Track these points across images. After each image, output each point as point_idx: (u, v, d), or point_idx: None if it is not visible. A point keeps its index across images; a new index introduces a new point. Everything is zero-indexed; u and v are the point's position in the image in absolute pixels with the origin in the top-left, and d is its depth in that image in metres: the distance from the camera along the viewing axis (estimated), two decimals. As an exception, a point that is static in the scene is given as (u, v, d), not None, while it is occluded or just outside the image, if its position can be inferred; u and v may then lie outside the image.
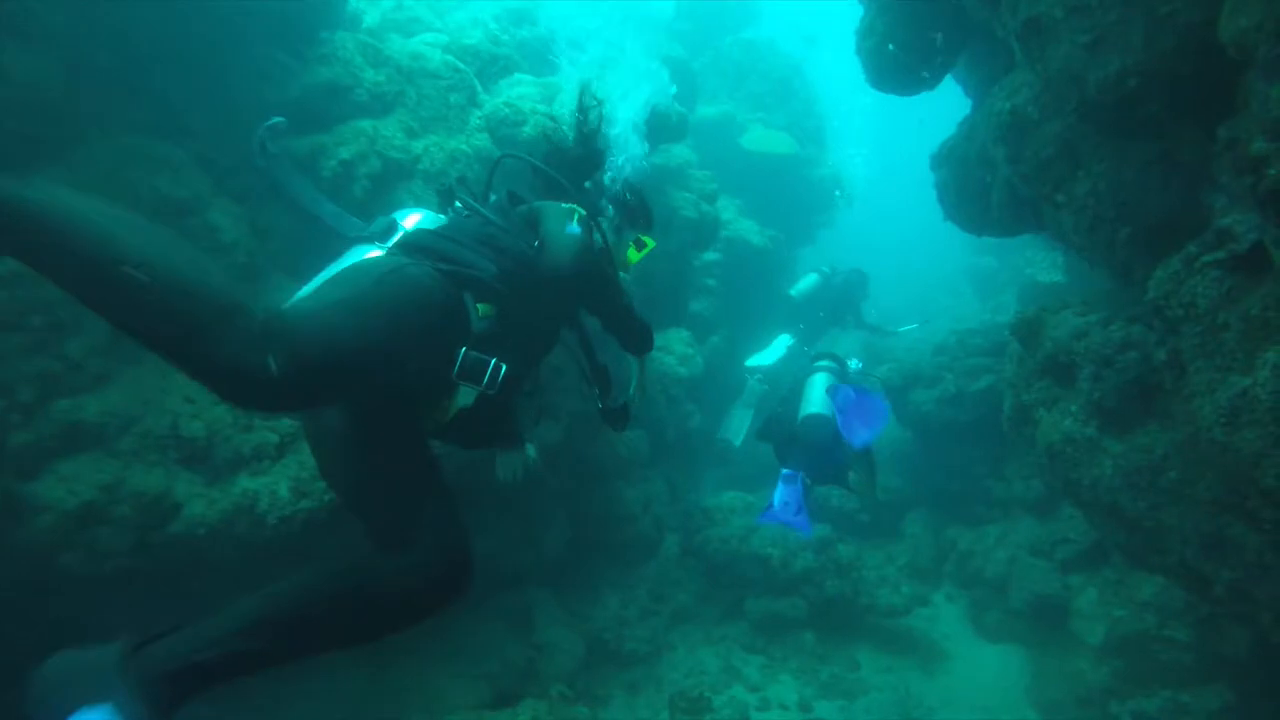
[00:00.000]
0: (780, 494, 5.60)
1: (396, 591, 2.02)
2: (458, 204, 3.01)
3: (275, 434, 3.39)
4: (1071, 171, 3.43)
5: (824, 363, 6.30)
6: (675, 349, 7.93)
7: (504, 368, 2.40)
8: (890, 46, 4.49)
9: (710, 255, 8.40)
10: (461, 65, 4.77)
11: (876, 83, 4.82)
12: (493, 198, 3.26)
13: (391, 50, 4.55)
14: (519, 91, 4.91)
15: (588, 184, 3.39)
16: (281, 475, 3.28)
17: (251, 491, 3.19)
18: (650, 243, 3.50)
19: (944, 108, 6.11)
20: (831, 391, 5.73)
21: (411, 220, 2.80)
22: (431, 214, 2.92)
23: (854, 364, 6.99)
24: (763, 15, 11.97)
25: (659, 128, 5.54)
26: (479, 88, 4.86)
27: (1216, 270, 2.82)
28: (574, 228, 2.77)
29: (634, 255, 3.46)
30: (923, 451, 8.18)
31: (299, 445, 3.42)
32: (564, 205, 2.92)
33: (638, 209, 3.49)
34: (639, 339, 3.12)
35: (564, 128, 3.72)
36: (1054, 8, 3.01)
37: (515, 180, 3.34)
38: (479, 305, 2.50)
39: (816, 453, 5.55)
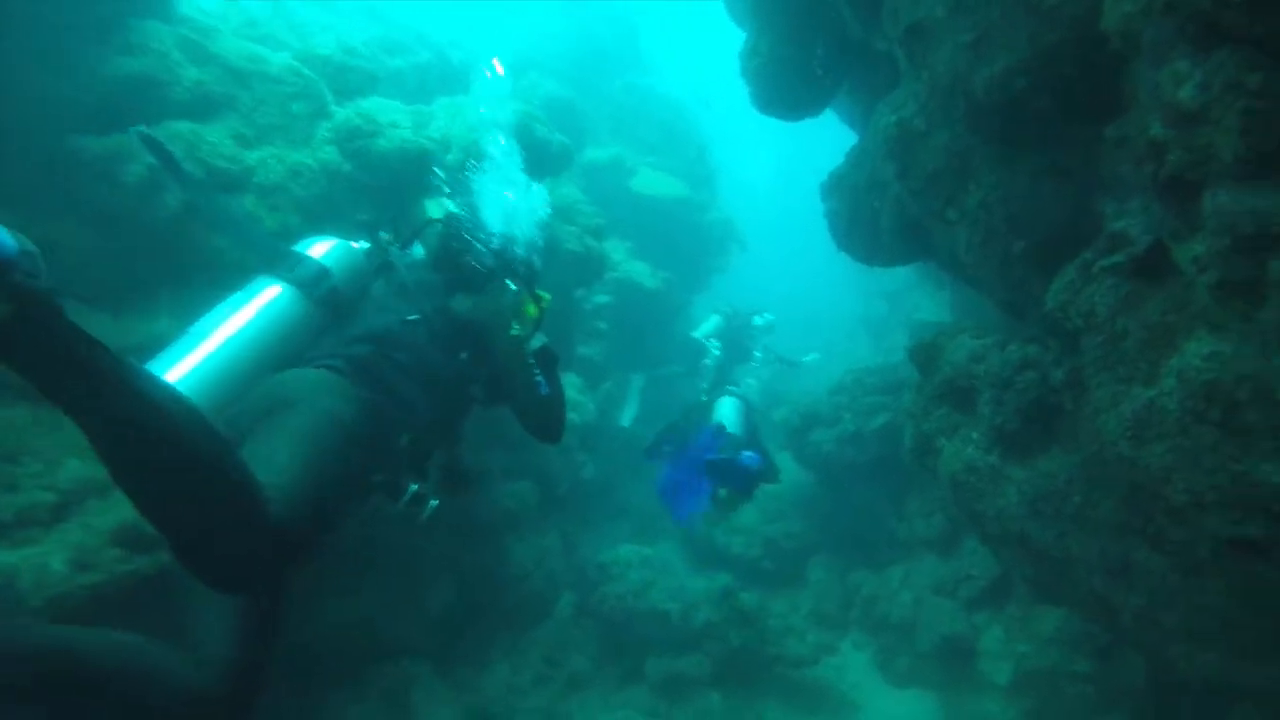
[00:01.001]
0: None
1: (158, 688, 1.94)
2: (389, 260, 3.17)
3: (52, 492, 2.74)
4: (962, 184, 3.28)
5: (734, 388, 6.53)
6: (565, 395, 7.49)
7: (414, 487, 2.75)
8: (780, 72, 4.34)
9: (601, 298, 8.10)
10: (307, 71, 4.32)
11: (763, 105, 4.67)
12: (417, 249, 3.36)
13: (221, 48, 4.03)
14: (376, 103, 4.47)
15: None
16: (58, 545, 2.62)
17: (8, 567, 2.51)
18: (547, 296, 3.46)
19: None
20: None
21: (319, 250, 2.92)
22: (342, 247, 3.01)
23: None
24: (650, 63, 12.05)
25: (539, 158, 5.23)
26: (330, 98, 4.40)
27: (1113, 277, 2.66)
28: (524, 337, 3.07)
29: (533, 311, 3.38)
30: (825, 494, 8.00)
31: (87, 503, 2.77)
32: (505, 305, 3.12)
33: (522, 260, 3.48)
34: (551, 424, 3.29)
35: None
36: (935, 7, 2.87)
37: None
38: (404, 436, 2.75)
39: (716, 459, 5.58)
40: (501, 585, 6.45)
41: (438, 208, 3.52)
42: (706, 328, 9.01)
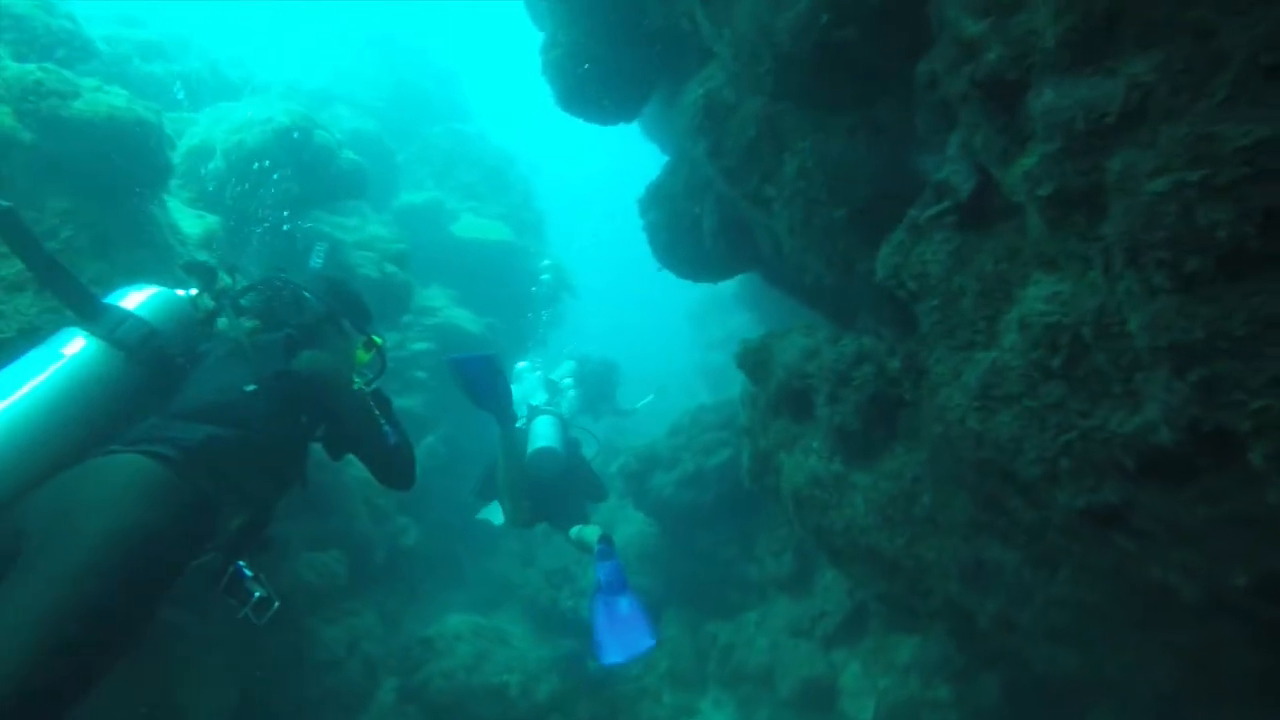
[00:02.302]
0: (607, 574, 4.77)
1: None
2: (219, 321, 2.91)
3: None
4: (777, 155, 3.00)
5: (547, 408, 6.26)
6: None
7: (259, 593, 2.50)
8: (585, 66, 3.98)
9: (419, 345, 7.39)
10: None
11: (565, 103, 4.29)
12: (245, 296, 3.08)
13: None
14: (90, 81, 3.61)
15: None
16: None
17: None
18: (379, 339, 3.34)
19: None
20: (598, 557, 4.96)
21: (134, 300, 2.66)
22: (164, 296, 2.77)
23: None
24: (473, 111, 11.68)
25: (326, 178, 4.57)
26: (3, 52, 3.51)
27: (941, 230, 2.40)
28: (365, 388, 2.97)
29: (364, 355, 3.29)
30: (669, 543, 7.53)
31: None
32: (343, 358, 3.05)
33: (350, 303, 3.30)
34: (404, 469, 3.04)
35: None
36: (731, -47, 2.59)
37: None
38: (237, 519, 2.52)
39: (551, 489, 5.38)
40: (305, 677, 5.43)
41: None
42: (561, 370, 8.77)
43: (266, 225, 4.68)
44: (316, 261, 4.81)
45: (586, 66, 3.92)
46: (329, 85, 9.03)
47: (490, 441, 6.85)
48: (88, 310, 2.58)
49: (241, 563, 2.53)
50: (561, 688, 5.90)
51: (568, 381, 8.41)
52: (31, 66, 3.25)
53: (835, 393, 3.34)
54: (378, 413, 2.99)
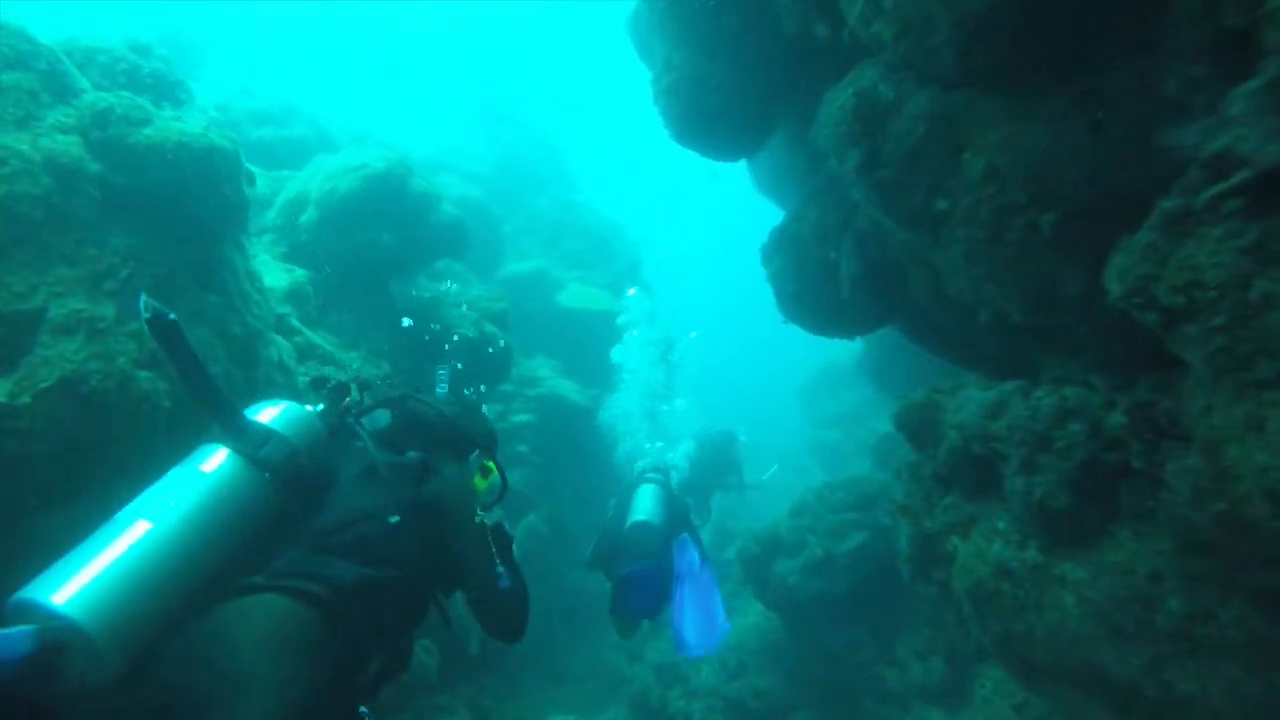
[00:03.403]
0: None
1: None
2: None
3: None
4: (953, 156, 2.38)
5: (652, 475, 5.85)
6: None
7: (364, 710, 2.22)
8: (703, 86, 3.52)
9: (521, 416, 6.98)
10: (42, 40, 3.22)
11: (679, 133, 3.83)
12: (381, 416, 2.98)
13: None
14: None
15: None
16: None
17: None
18: (494, 467, 3.15)
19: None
20: (679, 547, 5.11)
21: (267, 415, 2.55)
22: (294, 411, 2.62)
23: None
24: (578, 182, 11.60)
25: (421, 232, 4.22)
26: (77, 75, 3.28)
27: (1225, 221, 1.71)
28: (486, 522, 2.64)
29: (481, 482, 3.08)
30: (795, 638, 6.64)
31: None
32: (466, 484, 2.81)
33: (477, 427, 3.11)
34: (513, 620, 2.67)
35: None
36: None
37: None
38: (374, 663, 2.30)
39: (642, 565, 4.98)
40: (386, 786, 4.86)
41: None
42: (684, 452, 8.50)
43: (360, 283, 4.42)
44: (441, 388, 4.53)
45: (698, 91, 3.44)
46: (435, 155, 9.07)
47: (600, 513, 6.36)
48: (232, 426, 2.44)
49: (364, 709, 2.31)
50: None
51: (683, 464, 8.06)
52: (108, 95, 3.05)
53: (1031, 459, 2.60)
54: (494, 550, 2.75)
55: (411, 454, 2.85)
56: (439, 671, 5.38)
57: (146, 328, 2.30)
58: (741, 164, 6.35)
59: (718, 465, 8.83)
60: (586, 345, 8.94)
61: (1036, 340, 2.89)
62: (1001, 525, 2.85)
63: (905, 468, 3.24)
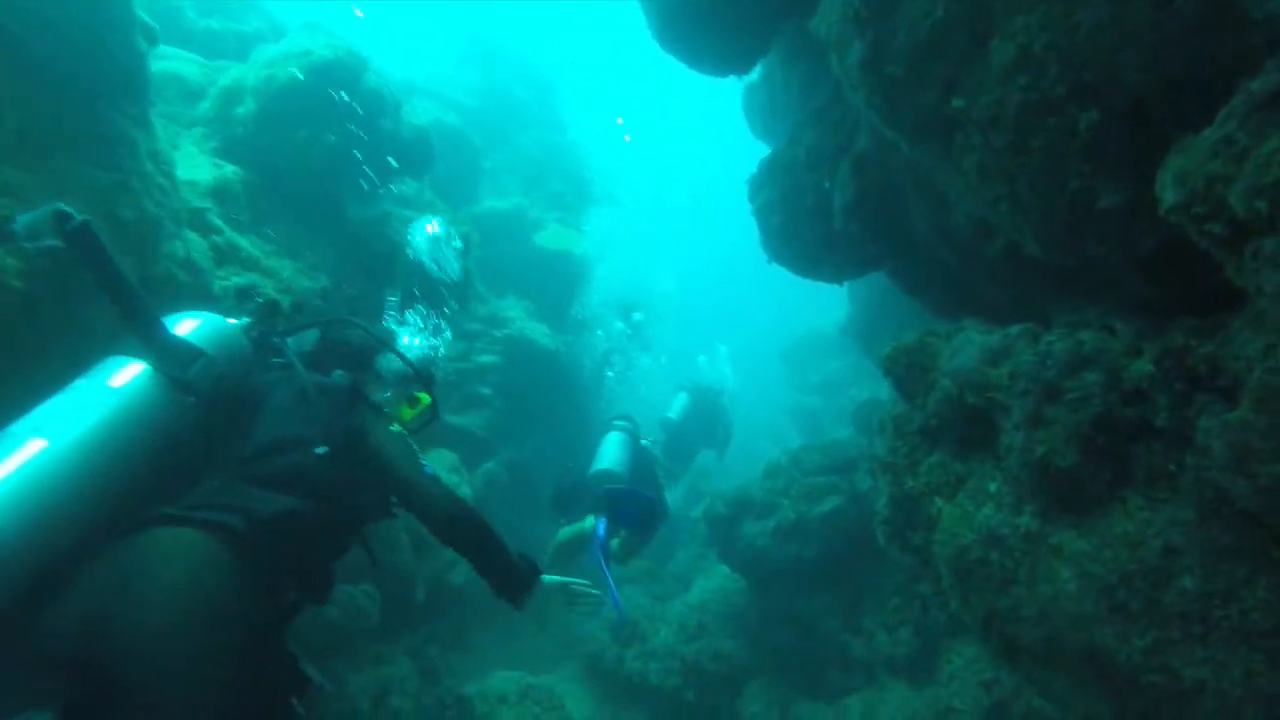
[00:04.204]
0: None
1: None
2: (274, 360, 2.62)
3: None
4: (977, 44, 2.00)
5: (620, 423, 5.69)
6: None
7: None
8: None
9: (486, 357, 6.61)
10: None
11: (661, 32, 3.42)
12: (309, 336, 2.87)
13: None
14: None
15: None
16: None
17: None
18: (426, 398, 3.07)
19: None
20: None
21: (186, 328, 2.36)
22: (215, 323, 2.45)
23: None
24: (566, 121, 11.04)
25: (371, 133, 3.74)
26: None
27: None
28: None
29: (408, 412, 3.03)
30: (759, 602, 6.38)
31: None
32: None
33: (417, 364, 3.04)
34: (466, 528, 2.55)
35: None
36: None
37: None
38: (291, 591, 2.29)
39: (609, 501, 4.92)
40: (317, 735, 4.56)
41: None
42: (678, 406, 8.63)
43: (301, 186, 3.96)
44: (391, 315, 4.15)
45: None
46: (416, 80, 8.52)
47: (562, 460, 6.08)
48: (154, 340, 2.23)
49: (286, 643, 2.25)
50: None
51: (675, 415, 8.37)
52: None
53: (1037, 412, 2.26)
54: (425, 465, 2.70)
55: (339, 374, 2.69)
56: (381, 618, 5.07)
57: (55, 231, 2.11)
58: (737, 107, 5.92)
59: (708, 418, 8.74)
60: (563, 289, 8.55)
61: (1053, 281, 2.54)
62: (993, 487, 2.53)
63: (889, 420, 2.90)
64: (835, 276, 3.92)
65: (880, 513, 3.04)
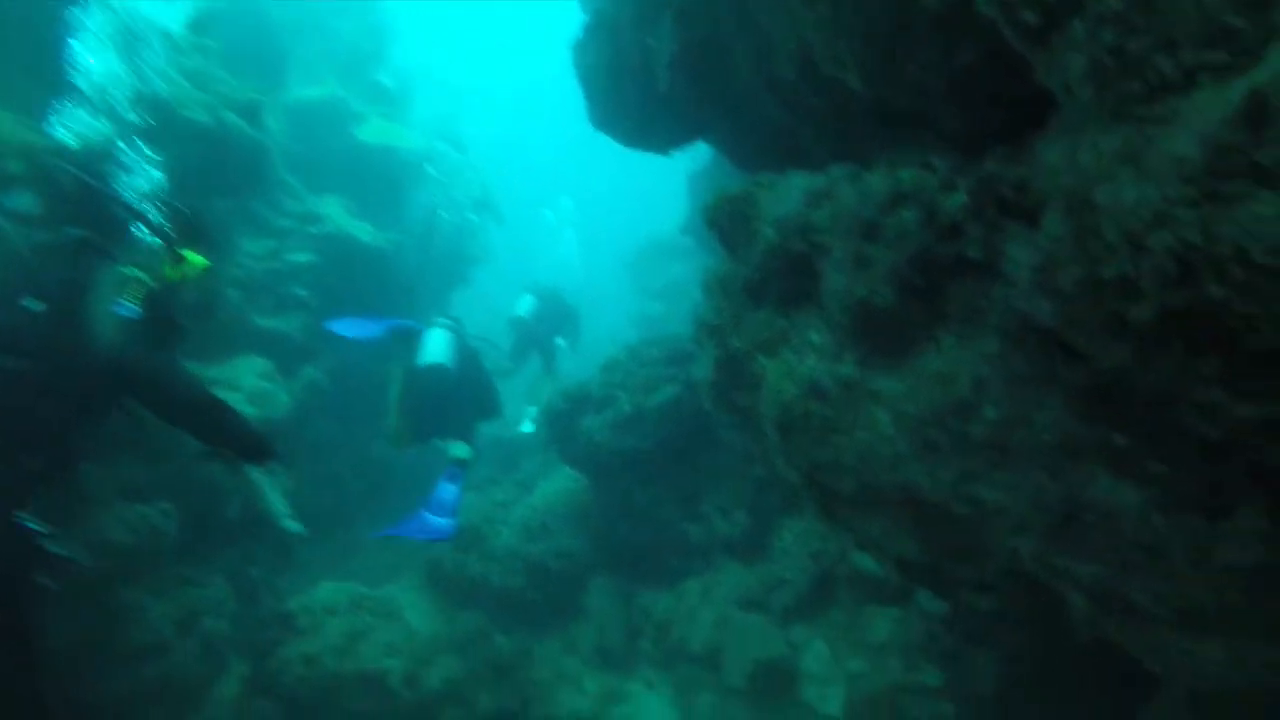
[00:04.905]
0: (442, 491, 5.04)
1: None
2: None
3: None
4: None
5: (442, 320, 5.61)
6: (244, 383, 5.37)
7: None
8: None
9: (300, 256, 6.02)
10: None
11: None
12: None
13: None
14: None
15: None
16: None
17: None
18: (198, 260, 3.03)
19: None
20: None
21: None
22: None
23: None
24: (394, 12, 10.00)
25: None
26: None
27: None
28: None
29: (173, 272, 2.95)
30: (601, 498, 6.40)
31: None
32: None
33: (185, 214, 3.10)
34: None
35: None
36: None
37: None
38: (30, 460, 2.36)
39: (437, 406, 5.18)
40: (114, 666, 4.13)
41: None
42: (526, 305, 8.79)
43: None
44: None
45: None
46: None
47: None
48: None
49: (25, 516, 2.22)
50: (460, 673, 4.74)
51: (525, 315, 8.67)
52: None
53: (859, 252, 2.21)
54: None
55: (70, 229, 2.56)
56: (184, 539, 4.60)
57: None
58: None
59: (556, 316, 8.95)
60: (389, 189, 7.92)
61: (874, 124, 2.47)
62: (816, 338, 2.49)
63: (715, 281, 2.80)
64: (662, 147, 3.76)
65: (706, 376, 2.98)
